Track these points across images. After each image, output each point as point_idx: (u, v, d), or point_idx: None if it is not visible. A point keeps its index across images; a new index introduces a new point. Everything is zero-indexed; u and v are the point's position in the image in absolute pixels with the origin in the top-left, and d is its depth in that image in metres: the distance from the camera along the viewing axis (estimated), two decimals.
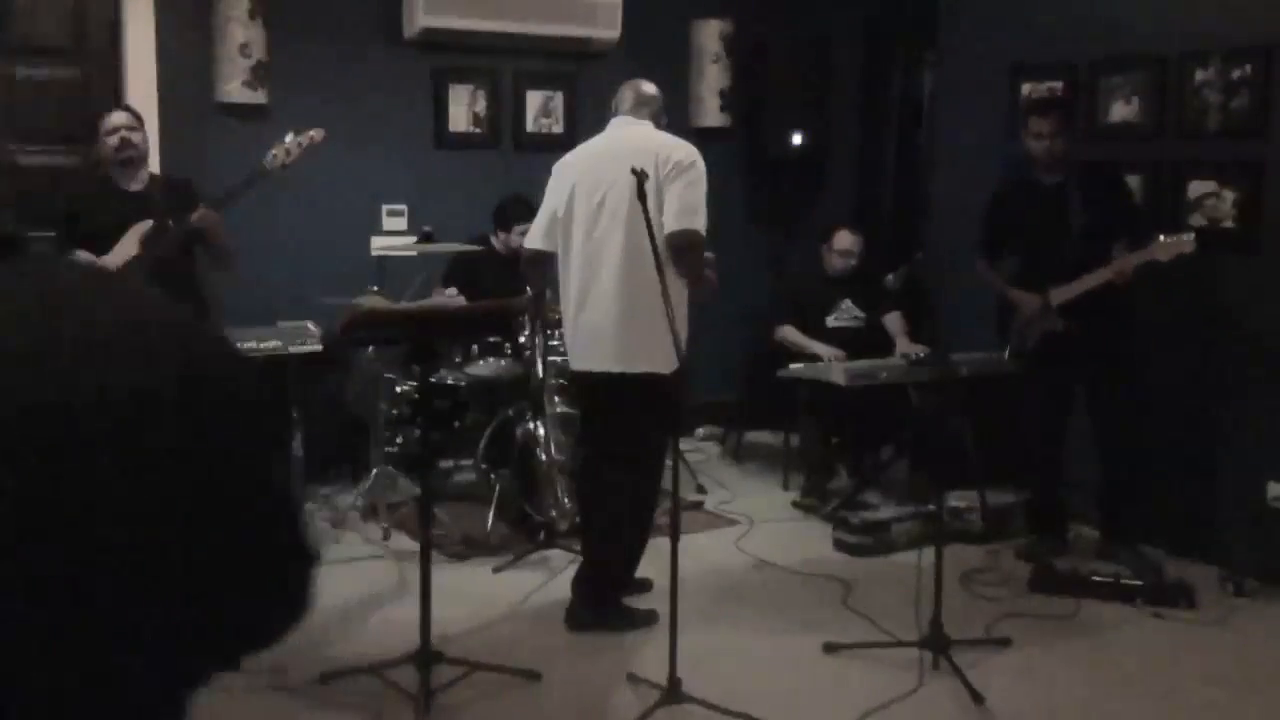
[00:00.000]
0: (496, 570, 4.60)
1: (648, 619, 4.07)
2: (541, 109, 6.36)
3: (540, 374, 4.83)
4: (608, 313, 3.87)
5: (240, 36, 5.46)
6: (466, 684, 3.54)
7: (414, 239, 5.54)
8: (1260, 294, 4.61)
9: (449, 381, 5.14)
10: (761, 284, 6.43)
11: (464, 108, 6.18)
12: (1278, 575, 4.50)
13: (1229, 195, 4.72)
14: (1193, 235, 4.33)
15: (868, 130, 7.14)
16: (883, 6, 6.94)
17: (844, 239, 5.73)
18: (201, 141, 5.46)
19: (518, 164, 6.10)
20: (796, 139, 6.58)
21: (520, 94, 6.31)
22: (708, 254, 3.90)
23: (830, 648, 3.92)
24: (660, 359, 3.70)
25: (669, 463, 3.71)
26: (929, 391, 4.63)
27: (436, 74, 6.09)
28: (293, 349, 5.22)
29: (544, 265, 4.13)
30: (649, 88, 4.07)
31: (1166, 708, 3.61)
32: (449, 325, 4.10)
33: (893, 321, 5.67)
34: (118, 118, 4.47)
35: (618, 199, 3.82)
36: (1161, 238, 4.35)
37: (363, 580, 4.47)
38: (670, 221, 3.74)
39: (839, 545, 4.98)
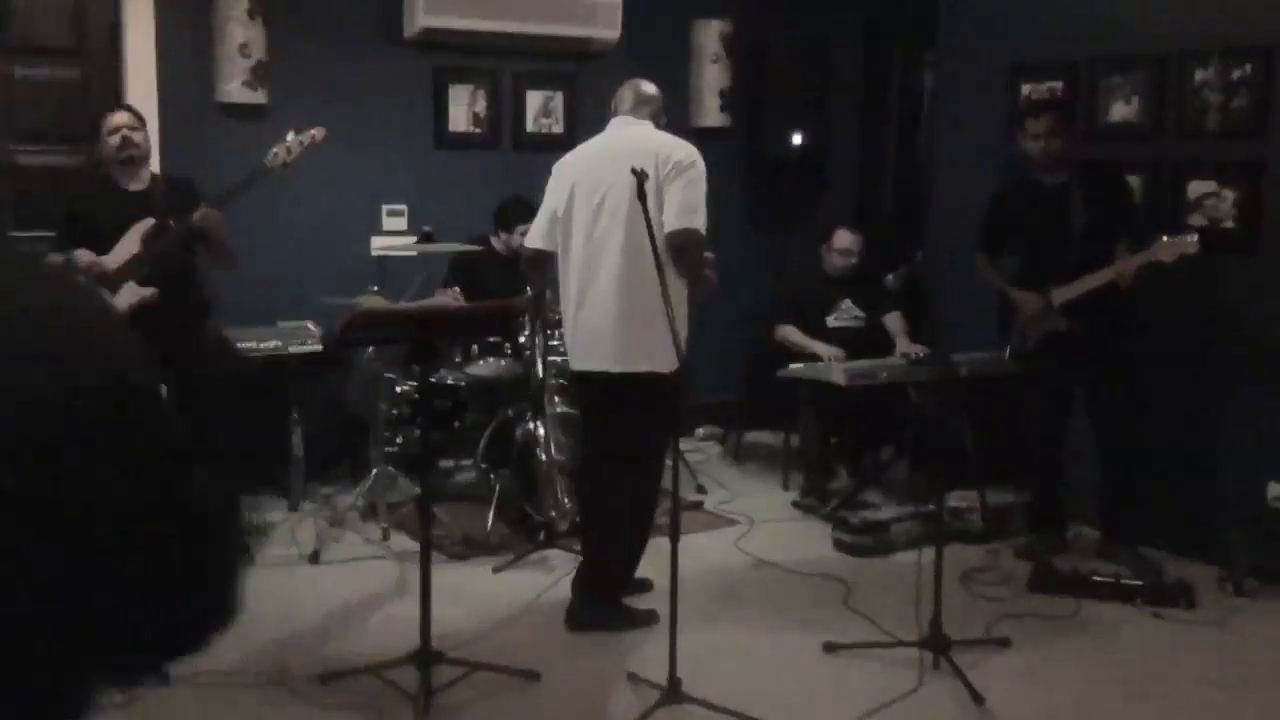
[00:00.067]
0: (496, 570, 4.60)
1: (648, 619, 4.07)
2: (541, 109, 6.36)
3: (540, 374, 4.83)
4: (607, 312, 3.87)
5: (240, 36, 5.46)
6: (466, 684, 3.54)
7: (414, 239, 5.54)
8: (1260, 294, 4.61)
9: (449, 381, 5.14)
10: (761, 284, 6.43)
11: (464, 108, 6.18)
12: (1278, 575, 4.50)
13: (1229, 195, 4.72)
14: (1196, 236, 4.32)
15: (868, 130, 7.14)
16: (883, 6, 6.94)
17: (844, 239, 5.73)
18: (201, 141, 5.46)
19: (518, 164, 6.10)
20: (796, 139, 6.58)
21: (520, 94, 6.31)
22: (708, 254, 3.90)
23: (830, 648, 3.92)
24: (660, 358, 3.70)
25: (669, 463, 3.71)
26: (929, 391, 4.63)
27: (436, 74, 6.09)
28: (293, 349, 5.23)
29: (544, 265, 4.13)
30: (649, 88, 4.07)
31: (1166, 708, 3.61)
32: (449, 325, 4.10)
33: (893, 321, 5.67)
34: (120, 117, 4.47)
35: (618, 199, 3.82)
36: (1164, 238, 4.34)
37: (363, 580, 4.47)
38: (670, 220, 3.74)
39: (839, 545, 4.98)
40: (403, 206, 6.03)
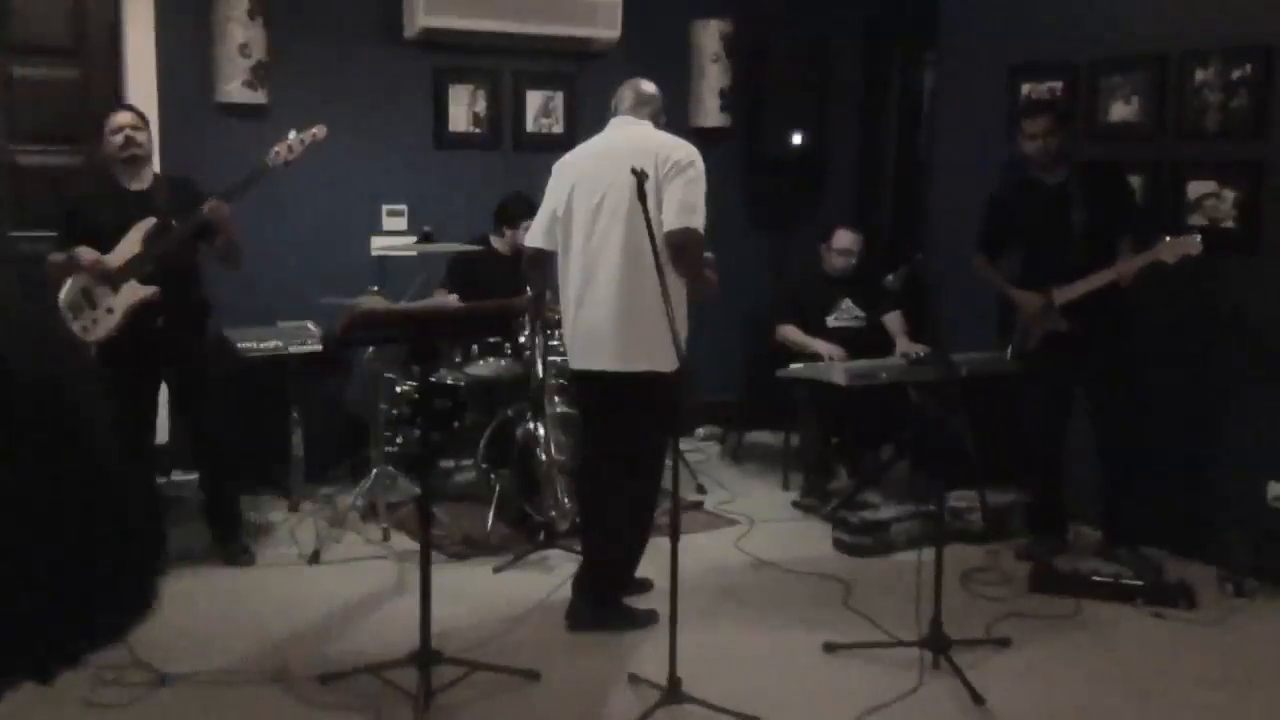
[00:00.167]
0: (496, 570, 4.60)
1: (648, 619, 4.07)
2: (541, 109, 6.36)
3: (540, 374, 4.83)
4: (607, 312, 3.86)
5: (240, 36, 5.46)
6: (466, 684, 3.54)
7: (414, 239, 5.54)
8: (1260, 294, 4.61)
9: (449, 381, 5.14)
10: (761, 284, 6.43)
11: (464, 108, 6.18)
12: (1278, 575, 4.50)
13: (1229, 195, 4.71)
14: (1199, 236, 4.32)
15: (868, 130, 7.14)
16: (883, 6, 6.94)
17: (844, 238, 5.73)
18: (201, 141, 5.46)
19: (517, 164, 6.11)
20: (796, 139, 6.58)
21: (520, 94, 6.31)
22: (707, 253, 3.90)
23: (830, 647, 3.92)
24: (660, 358, 3.70)
25: (669, 463, 3.71)
26: (929, 391, 4.63)
27: (436, 74, 6.10)
28: (293, 349, 5.23)
29: (544, 265, 4.13)
30: (649, 87, 4.07)
31: (1166, 708, 3.61)
32: (449, 325, 4.10)
33: (893, 321, 5.67)
34: (123, 117, 4.47)
35: (617, 199, 3.81)
36: (1167, 238, 4.34)
37: (363, 580, 4.47)
38: (669, 220, 3.74)
39: (839, 545, 4.98)
40: (403, 206, 6.03)
